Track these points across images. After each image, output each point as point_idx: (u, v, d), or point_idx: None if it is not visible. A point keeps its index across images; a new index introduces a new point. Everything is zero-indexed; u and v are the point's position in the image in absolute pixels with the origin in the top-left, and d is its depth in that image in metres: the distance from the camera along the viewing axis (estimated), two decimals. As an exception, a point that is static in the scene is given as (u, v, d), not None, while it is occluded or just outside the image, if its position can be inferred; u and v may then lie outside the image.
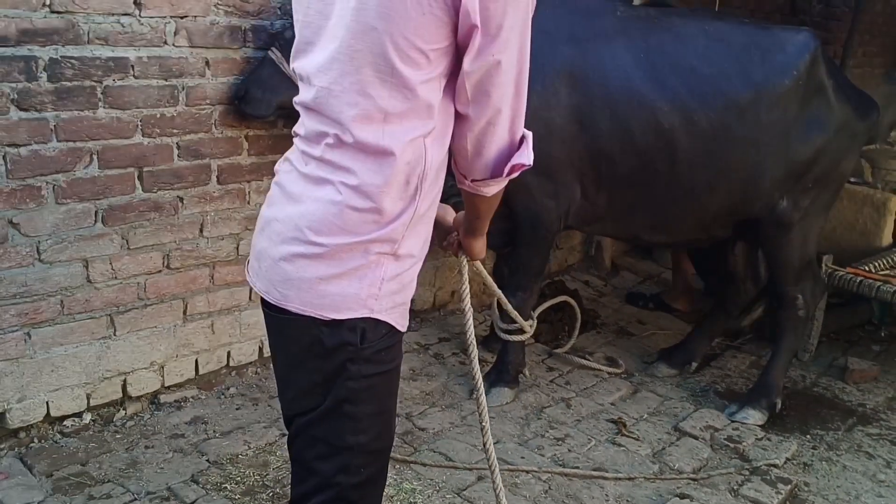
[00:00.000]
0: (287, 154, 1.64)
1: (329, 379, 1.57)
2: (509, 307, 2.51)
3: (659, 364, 4.00)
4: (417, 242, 1.58)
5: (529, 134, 1.62)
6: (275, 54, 3.05)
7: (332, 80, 1.46)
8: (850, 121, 3.41)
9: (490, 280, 2.27)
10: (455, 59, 1.48)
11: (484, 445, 2.00)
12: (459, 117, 1.54)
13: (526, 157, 1.59)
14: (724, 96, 3.20)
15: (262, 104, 3.05)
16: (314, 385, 1.60)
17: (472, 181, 1.62)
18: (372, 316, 1.54)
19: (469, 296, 1.93)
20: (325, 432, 1.61)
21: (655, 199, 3.35)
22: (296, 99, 1.59)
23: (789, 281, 3.53)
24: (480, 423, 1.99)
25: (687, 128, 3.19)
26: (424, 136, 1.49)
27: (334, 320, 1.53)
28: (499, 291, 2.42)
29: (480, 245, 1.87)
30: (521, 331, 3.18)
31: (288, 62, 3.08)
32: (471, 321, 1.95)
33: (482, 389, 1.99)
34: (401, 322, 1.62)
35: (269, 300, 1.60)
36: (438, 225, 1.79)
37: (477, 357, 1.96)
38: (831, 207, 3.63)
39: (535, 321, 3.33)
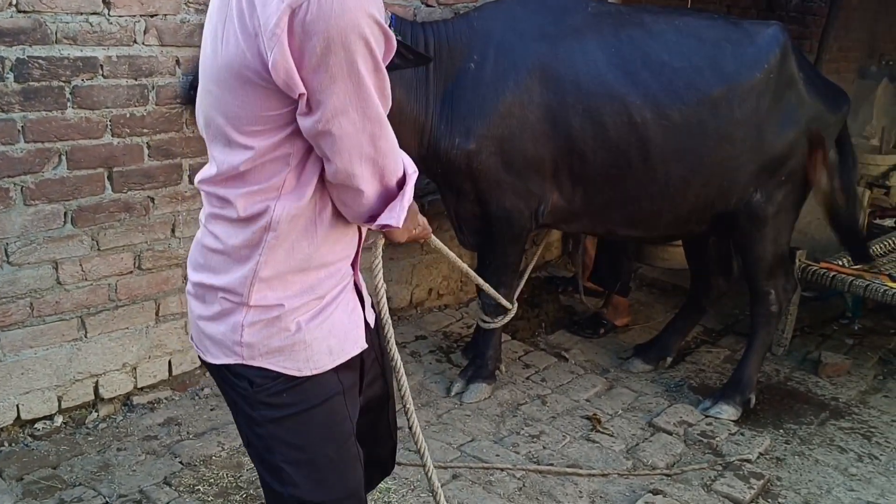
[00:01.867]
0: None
1: (242, 424, 1.58)
2: (488, 287, 2.66)
3: (634, 360, 4.02)
4: (282, 294, 1.50)
5: (412, 175, 1.55)
6: None
7: (203, 132, 1.52)
8: (821, 114, 3.43)
9: (454, 257, 2.27)
10: (288, 112, 1.42)
11: (410, 429, 1.99)
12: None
13: (393, 218, 1.50)
14: (696, 91, 3.21)
15: None
16: (240, 427, 1.62)
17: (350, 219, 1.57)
18: (244, 362, 1.50)
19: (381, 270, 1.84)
20: (264, 484, 1.61)
21: (631, 195, 3.36)
22: None
23: (762, 276, 3.55)
24: (404, 405, 1.99)
25: (660, 123, 3.20)
26: (270, 192, 1.44)
27: (217, 365, 1.54)
28: (472, 272, 2.48)
29: (417, 235, 1.78)
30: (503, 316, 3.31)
31: None
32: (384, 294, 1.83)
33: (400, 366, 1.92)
34: (294, 367, 1.52)
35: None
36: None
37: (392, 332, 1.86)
38: (804, 202, 3.65)
39: (516, 305, 3.45)
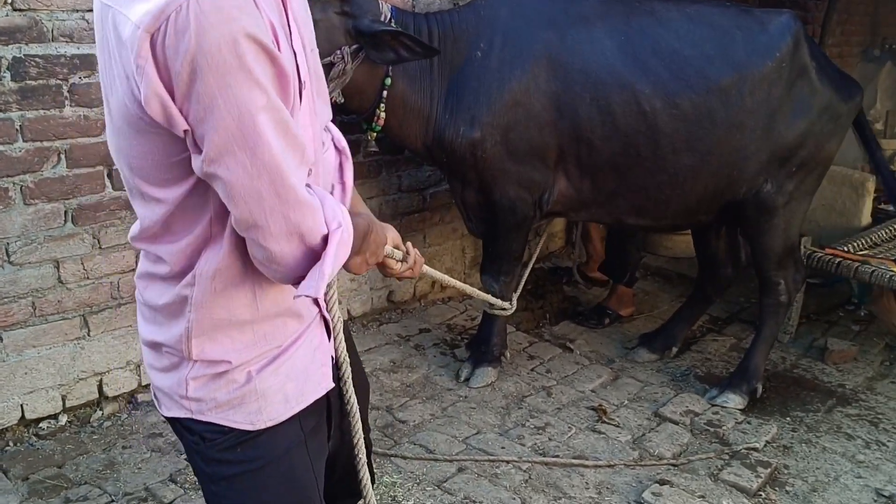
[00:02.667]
0: None
1: (198, 481, 1.52)
2: (480, 294, 2.61)
3: (640, 349, 4.01)
4: (228, 348, 1.37)
5: (334, 237, 1.28)
6: None
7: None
8: (833, 103, 3.40)
9: (444, 277, 2.17)
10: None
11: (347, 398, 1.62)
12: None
13: (311, 288, 1.27)
14: (706, 79, 3.19)
15: None
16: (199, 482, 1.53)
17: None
18: (193, 416, 1.40)
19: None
20: None
21: (639, 184, 3.35)
22: None
23: (772, 266, 3.53)
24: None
25: (669, 111, 3.19)
26: (198, 244, 1.31)
27: (169, 418, 1.46)
28: (463, 285, 2.36)
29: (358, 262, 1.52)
30: (503, 308, 3.32)
31: None
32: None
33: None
34: (246, 420, 1.40)
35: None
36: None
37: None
38: (814, 192, 3.62)
39: (515, 302, 3.46)
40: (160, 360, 1.42)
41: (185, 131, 1.17)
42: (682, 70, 3.18)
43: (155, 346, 1.42)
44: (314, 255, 1.28)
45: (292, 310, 1.43)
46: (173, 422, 1.46)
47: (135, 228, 1.38)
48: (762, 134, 3.28)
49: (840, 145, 3.57)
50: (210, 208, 1.28)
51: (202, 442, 1.41)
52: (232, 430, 1.40)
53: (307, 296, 1.28)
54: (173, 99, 1.14)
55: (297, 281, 1.29)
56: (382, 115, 3.11)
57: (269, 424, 1.41)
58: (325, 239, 1.28)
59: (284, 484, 1.46)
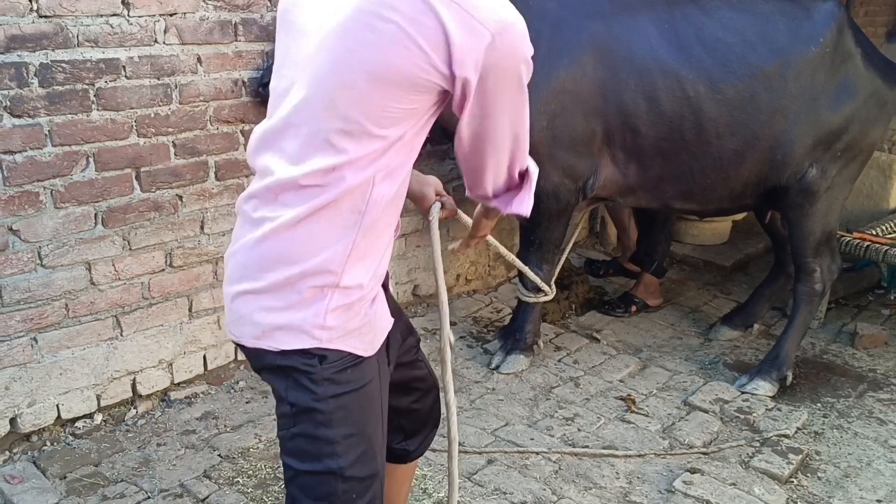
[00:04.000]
0: (242, 194, 1.66)
1: (297, 402, 1.60)
2: (526, 270, 2.75)
3: (721, 327, 4.10)
4: (364, 274, 1.58)
5: (534, 172, 1.72)
6: None
7: (301, 120, 1.49)
8: (879, 89, 3.41)
9: (504, 250, 2.38)
10: (435, 106, 1.52)
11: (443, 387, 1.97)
12: (459, 145, 1.60)
13: (524, 206, 1.71)
14: (749, 65, 3.23)
15: None
16: (286, 412, 1.63)
17: (474, 195, 1.76)
18: (321, 346, 1.56)
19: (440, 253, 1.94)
20: (302, 461, 1.63)
21: (685, 169, 3.38)
22: (257, 126, 1.62)
23: (809, 253, 3.51)
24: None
25: (713, 97, 3.23)
26: (374, 174, 1.50)
27: (285, 351, 1.57)
28: (516, 260, 2.57)
29: (488, 227, 1.98)
30: (544, 293, 3.41)
31: None
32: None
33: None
34: (360, 347, 1.62)
35: (231, 339, 1.69)
36: (417, 196, 1.92)
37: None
38: (856, 180, 3.60)
39: (554, 290, 3.53)
40: (287, 297, 1.54)
41: (464, 97, 1.45)
42: (725, 56, 3.23)
43: (283, 286, 1.53)
44: (510, 186, 1.71)
45: (389, 245, 1.65)
46: (280, 355, 1.58)
47: (302, 168, 1.48)
48: (806, 118, 3.30)
49: (885, 132, 3.55)
50: (401, 145, 1.50)
51: (319, 364, 1.57)
52: (348, 354, 1.59)
53: (520, 214, 1.71)
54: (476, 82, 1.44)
55: (487, 197, 1.71)
56: None
57: (373, 353, 1.64)
58: (522, 174, 1.70)
59: (371, 403, 1.67)
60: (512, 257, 2.54)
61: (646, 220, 4.40)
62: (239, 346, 1.67)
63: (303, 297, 1.54)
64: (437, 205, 1.92)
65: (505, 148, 1.60)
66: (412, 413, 2.01)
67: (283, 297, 1.55)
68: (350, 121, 1.44)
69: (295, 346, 1.56)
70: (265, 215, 1.54)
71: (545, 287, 3.31)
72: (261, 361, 1.65)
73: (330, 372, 1.58)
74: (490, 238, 2.13)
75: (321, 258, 1.52)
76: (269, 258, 1.54)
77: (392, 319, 1.72)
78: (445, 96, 1.48)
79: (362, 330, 1.61)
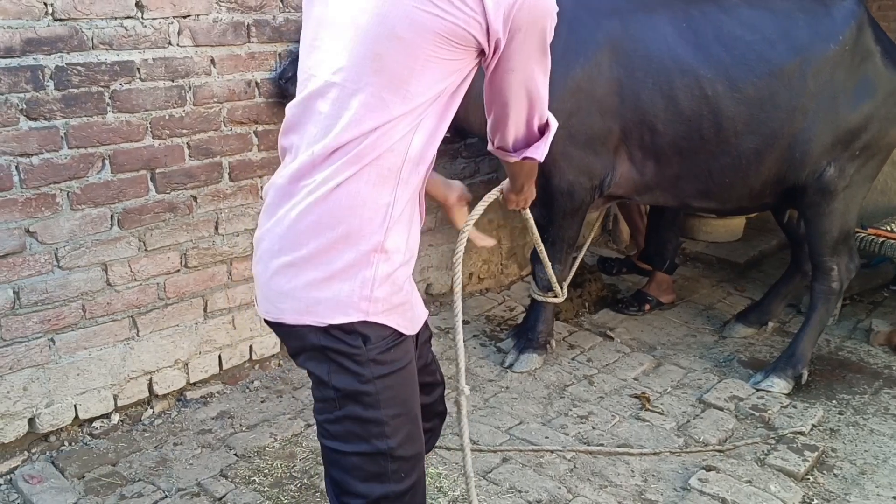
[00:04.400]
0: (271, 179, 1.66)
1: (342, 386, 1.60)
2: (550, 272, 2.79)
3: (736, 324, 4.10)
4: (401, 239, 1.60)
5: (553, 126, 1.78)
6: None
7: (344, 79, 1.51)
8: None
9: (537, 237, 2.43)
10: (470, 66, 1.58)
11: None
12: (486, 98, 1.68)
13: (539, 153, 1.77)
14: (768, 63, 3.22)
15: None
16: (329, 396, 1.62)
17: (496, 147, 1.81)
18: (369, 319, 1.56)
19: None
20: (349, 443, 1.63)
21: (703, 168, 3.38)
22: (290, 104, 1.62)
23: (826, 251, 3.50)
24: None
25: (731, 95, 3.22)
26: (415, 128, 1.54)
27: (331, 325, 1.56)
28: (542, 248, 2.63)
29: (526, 196, 2.08)
30: (554, 294, 3.39)
31: None
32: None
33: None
34: (403, 325, 1.63)
35: (269, 319, 1.65)
36: (441, 198, 2.00)
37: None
38: (874, 179, 3.58)
39: (565, 290, 3.51)
40: (332, 266, 1.54)
41: (494, 50, 1.53)
42: (743, 54, 3.22)
43: (325, 253, 1.53)
44: (530, 138, 1.76)
45: (421, 212, 1.71)
46: (323, 332, 1.57)
47: (345, 128, 1.50)
48: (826, 117, 3.28)
49: None
50: (440, 100, 1.55)
51: (364, 345, 1.57)
52: (392, 332, 1.61)
53: (534, 159, 1.78)
54: (504, 35, 1.51)
55: (508, 148, 1.77)
56: None
57: (413, 332, 1.68)
58: (542, 128, 1.76)
59: (413, 381, 1.69)
60: (541, 248, 2.59)
61: (654, 217, 4.39)
62: (276, 326, 1.65)
63: (348, 264, 1.53)
64: (471, 225, 1.99)
65: (528, 99, 1.65)
66: (424, 408, 1.98)
67: (327, 266, 1.54)
68: (394, 76, 1.48)
69: (341, 321, 1.55)
70: (303, 184, 1.54)
71: (557, 289, 3.30)
72: (302, 341, 1.62)
73: (375, 353, 1.58)
74: (527, 214, 2.22)
75: (364, 218, 1.53)
76: (311, 225, 1.53)
77: (425, 311, 1.75)
78: (480, 55, 1.54)
79: (405, 307, 1.63)
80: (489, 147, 1.83)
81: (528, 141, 1.77)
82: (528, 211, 2.20)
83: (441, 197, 1.99)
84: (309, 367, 1.66)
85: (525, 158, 1.79)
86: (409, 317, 1.65)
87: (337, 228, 1.52)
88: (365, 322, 1.56)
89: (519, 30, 1.51)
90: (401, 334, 1.63)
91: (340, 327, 1.56)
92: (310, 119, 1.55)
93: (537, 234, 2.39)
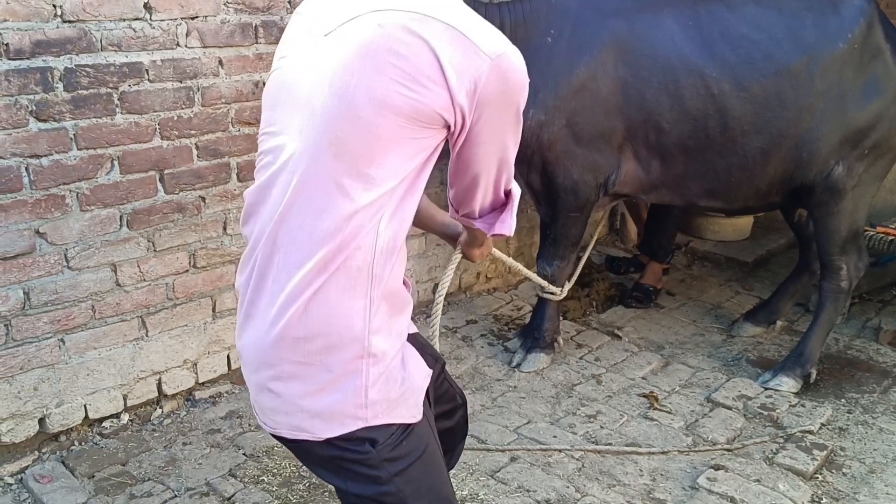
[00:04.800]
0: (237, 272, 1.60)
1: (362, 493, 1.53)
2: (538, 279, 2.89)
3: (744, 323, 4.10)
4: (387, 338, 1.49)
5: (516, 194, 1.70)
6: None
7: (301, 168, 1.42)
8: None
9: (513, 262, 2.52)
10: (437, 143, 1.48)
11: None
12: (452, 171, 1.61)
13: (507, 227, 1.70)
14: (774, 62, 3.21)
15: None
16: (350, 496, 1.55)
17: (461, 216, 1.74)
18: (368, 425, 1.47)
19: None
20: None
21: (709, 167, 3.38)
22: (247, 190, 1.55)
23: (835, 250, 3.48)
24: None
25: (737, 94, 3.21)
26: (378, 221, 1.42)
27: (330, 439, 1.48)
28: (526, 271, 2.71)
29: (489, 245, 2.07)
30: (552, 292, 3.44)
31: None
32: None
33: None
34: (408, 415, 1.53)
35: (268, 431, 1.58)
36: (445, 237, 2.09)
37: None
38: (883, 178, 3.56)
39: (566, 288, 3.56)
40: (318, 378, 1.45)
41: (460, 133, 1.47)
42: (749, 54, 3.21)
43: (312, 364, 1.45)
44: (495, 205, 1.69)
45: (405, 297, 1.58)
46: (322, 446, 1.50)
47: (310, 224, 1.40)
48: (834, 116, 3.27)
49: None
50: (405, 184, 1.44)
51: (373, 448, 1.48)
52: (398, 426, 1.51)
53: (502, 235, 1.71)
54: (470, 111, 1.44)
55: (473, 218, 1.70)
56: None
57: (420, 417, 1.55)
58: (507, 193, 1.68)
59: (434, 459, 1.60)
60: (514, 264, 2.66)
61: (655, 212, 4.42)
62: (278, 438, 1.57)
63: (335, 375, 1.44)
64: (458, 254, 2.09)
65: (498, 167, 1.59)
66: (446, 433, 1.88)
67: (313, 380, 1.45)
68: (356, 160, 1.38)
69: (338, 433, 1.47)
70: (273, 289, 1.44)
71: (552, 288, 3.33)
72: (308, 452, 1.55)
73: (386, 452, 1.49)
74: (495, 251, 2.28)
75: (342, 327, 1.43)
76: (288, 340, 1.44)
77: (429, 370, 1.63)
78: (447, 131, 1.45)
79: (405, 395, 1.52)
80: (451, 214, 1.76)
81: (494, 205, 1.69)
82: (494, 252, 2.27)
83: (444, 238, 2.09)
84: (324, 478, 1.60)
85: (494, 236, 1.73)
86: (412, 403, 1.54)
87: (316, 341, 1.43)
88: (366, 428, 1.47)
89: (487, 105, 1.43)
90: (409, 424, 1.54)
91: (341, 437, 1.48)
92: (263, 196, 1.48)
93: (511, 260, 2.56)
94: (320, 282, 1.41)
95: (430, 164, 1.48)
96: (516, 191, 1.70)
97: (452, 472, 2.83)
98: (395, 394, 1.50)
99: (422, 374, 1.59)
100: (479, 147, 1.51)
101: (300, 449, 1.56)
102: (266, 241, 1.45)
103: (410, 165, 1.43)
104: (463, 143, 1.49)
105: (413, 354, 1.60)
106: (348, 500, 1.58)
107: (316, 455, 1.54)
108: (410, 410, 1.53)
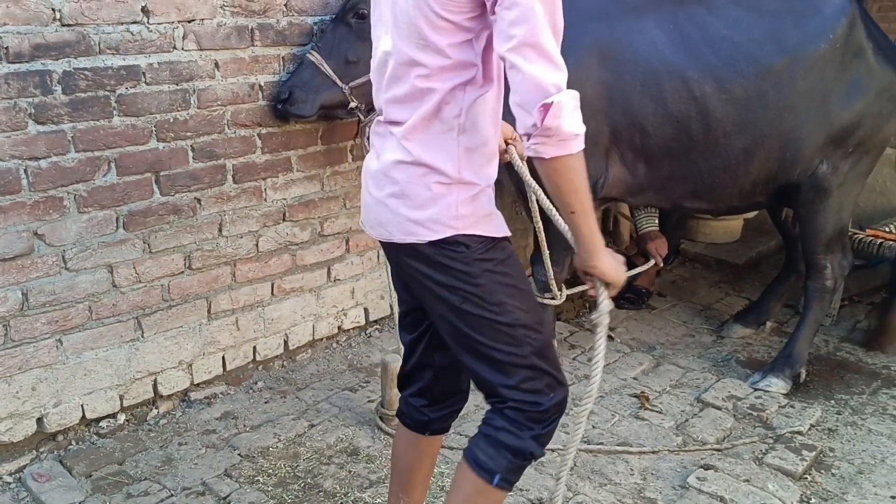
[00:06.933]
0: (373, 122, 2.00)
1: (457, 285, 1.87)
2: (550, 272, 3.02)
3: (733, 325, 4.13)
4: (476, 172, 1.87)
5: (564, 103, 1.80)
6: (314, 56, 3.16)
7: (392, 46, 1.82)
8: (893, 84, 3.40)
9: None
10: (479, 18, 1.75)
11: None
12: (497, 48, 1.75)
13: (542, 145, 1.75)
14: (756, 63, 3.23)
15: (307, 104, 3.20)
16: (452, 304, 1.89)
17: (529, 140, 1.74)
18: (460, 232, 1.85)
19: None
20: (479, 329, 1.89)
21: (694, 169, 3.39)
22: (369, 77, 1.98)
23: (820, 249, 3.52)
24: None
25: (720, 96, 3.23)
26: (463, 84, 1.79)
27: (431, 242, 1.86)
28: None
29: (605, 264, 1.96)
30: (553, 297, 3.44)
31: (326, 63, 3.20)
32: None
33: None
34: (493, 230, 1.90)
35: (381, 239, 1.97)
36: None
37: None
38: (868, 175, 3.60)
39: (567, 291, 3.56)
40: (420, 195, 1.85)
41: None
42: (731, 56, 3.23)
43: (416, 184, 1.84)
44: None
45: (491, 149, 1.93)
46: (430, 246, 1.87)
47: (401, 87, 1.83)
48: (817, 116, 3.30)
49: None
50: (475, 60, 1.80)
51: (467, 249, 1.87)
52: (486, 238, 1.89)
53: (542, 157, 1.79)
54: None
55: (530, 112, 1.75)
56: None
57: (504, 235, 1.94)
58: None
59: (517, 269, 1.97)
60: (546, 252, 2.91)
61: (671, 217, 4.46)
62: (388, 245, 1.96)
63: (433, 193, 1.84)
64: (512, 148, 2.22)
65: (528, 27, 1.73)
66: (441, 374, 2.24)
67: (417, 196, 1.85)
68: (421, 35, 1.74)
69: (438, 237, 1.85)
70: (391, 130, 1.87)
71: (555, 290, 3.34)
72: (415, 252, 1.90)
73: (478, 253, 1.87)
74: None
75: (435, 159, 1.83)
76: (399, 166, 1.85)
77: (510, 233, 1.98)
78: (483, 8, 1.71)
79: (491, 216, 1.91)
80: (527, 148, 1.80)
81: (534, 108, 1.70)
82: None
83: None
84: (429, 274, 1.90)
85: (545, 107, 1.71)
86: (497, 223, 1.91)
87: (419, 168, 1.83)
88: (460, 235, 1.85)
89: None
90: (494, 237, 1.90)
91: (440, 241, 1.85)
92: (379, 82, 1.90)
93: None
94: (417, 122, 1.82)
95: (481, 41, 1.78)
96: (564, 100, 1.79)
97: (447, 471, 2.87)
98: (482, 213, 1.88)
99: (506, 228, 1.95)
100: (506, 12, 1.68)
101: (408, 250, 1.91)
102: (384, 102, 1.90)
103: (465, 36, 1.76)
104: (499, 7, 1.68)
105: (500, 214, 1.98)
106: (448, 295, 1.89)
107: (422, 255, 1.89)
108: (496, 227, 1.91)
